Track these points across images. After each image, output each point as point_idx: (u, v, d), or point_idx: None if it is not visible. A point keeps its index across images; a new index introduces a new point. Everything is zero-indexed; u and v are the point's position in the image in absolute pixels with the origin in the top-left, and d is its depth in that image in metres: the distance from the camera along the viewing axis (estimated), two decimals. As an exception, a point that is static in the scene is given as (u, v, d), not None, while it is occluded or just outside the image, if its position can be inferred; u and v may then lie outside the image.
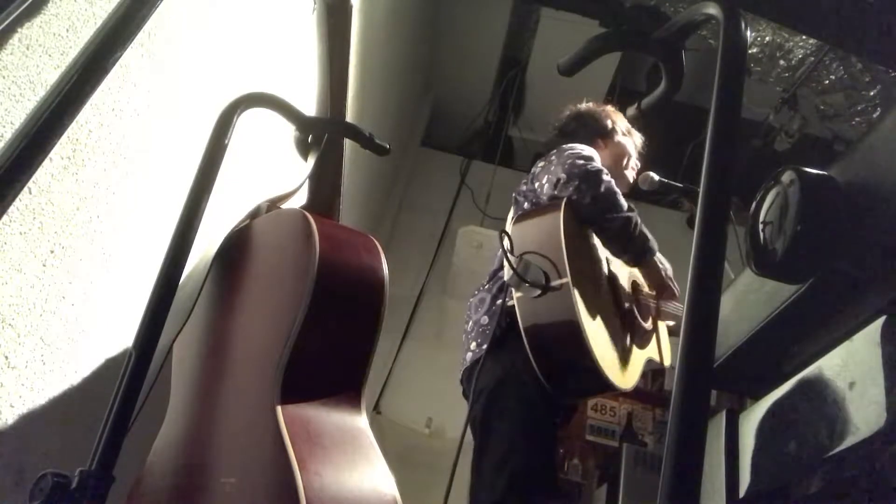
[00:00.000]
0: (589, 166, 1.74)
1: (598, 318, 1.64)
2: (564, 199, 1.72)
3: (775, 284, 0.94)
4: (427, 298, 3.93)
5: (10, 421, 0.95)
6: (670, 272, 1.89)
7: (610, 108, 2.16)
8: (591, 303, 1.63)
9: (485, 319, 1.78)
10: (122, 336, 1.15)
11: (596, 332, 1.57)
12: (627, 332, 1.80)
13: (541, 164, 1.93)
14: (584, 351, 1.52)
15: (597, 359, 1.52)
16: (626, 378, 1.68)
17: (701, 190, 0.61)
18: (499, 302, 1.73)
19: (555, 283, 1.51)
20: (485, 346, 1.70)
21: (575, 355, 1.54)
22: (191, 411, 1.05)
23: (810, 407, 0.90)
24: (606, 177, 1.74)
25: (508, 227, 1.87)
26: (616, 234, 1.75)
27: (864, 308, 0.85)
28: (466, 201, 4.20)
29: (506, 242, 1.57)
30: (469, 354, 1.80)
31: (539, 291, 1.51)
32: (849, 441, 0.80)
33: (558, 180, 1.75)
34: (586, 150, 1.86)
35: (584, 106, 2.17)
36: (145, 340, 0.79)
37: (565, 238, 1.62)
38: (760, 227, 0.95)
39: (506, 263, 1.61)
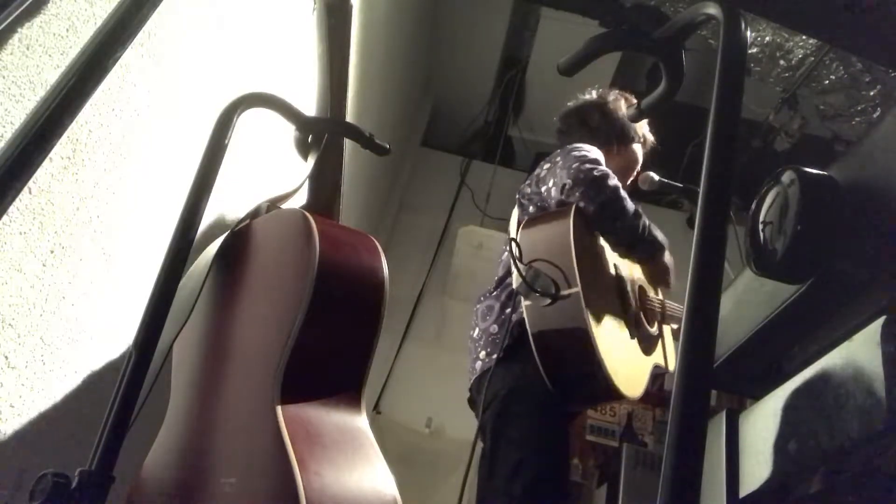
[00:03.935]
0: (595, 171, 1.72)
1: (607, 326, 1.64)
2: (574, 206, 1.70)
3: (775, 284, 0.94)
4: (427, 298, 3.93)
5: (10, 421, 0.95)
6: (671, 270, 1.87)
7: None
8: (601, 310, 1.62)
9: (494, 328, 1.77)
10: (122, 336, 1.15)
11: (605, 341, 1.57)
12: (635, 338, 1.80)
13: (546, 165, 1.91)
14: (593, 360, 1.51)
15: (606, 367, 1.52)
16: (634, 386, 1.68)
17: (701, 190, 0.61)
18: (508, 310, 1.73)
19: (564, 292, 1.50)
20: (495, 356, 1.69)
21: (584, 364, 1.53)
22: (191, 411, 1.05)
23: (810, 407, 0.90)
24: (613, 181, 1.72)
25: (513, 229, 1.86)
26: (624, 240, 1.73)
27: (864, 308, 0.85)
28: (466, 201, 4.20)
29: (514, 250, 1.56)
30: (479, 363, 1.78)
31: (549, 300, 1.50)
32: (849, 441, 0.80)
33: (564, 185, 1.74)
34: (592, 151, 1.83)
35: (612, 100, 2.11)
36: (145, 340, 0.79)
37: (575, 246, 1.61)
38: (760, 227, 0.95)
39: (514, 271, 1.60)
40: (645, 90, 1.29)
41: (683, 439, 0.51)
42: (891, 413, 0.74)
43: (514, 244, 1.57)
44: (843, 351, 0.86)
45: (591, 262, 1.71)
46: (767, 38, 3.27)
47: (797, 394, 0.95)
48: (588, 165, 1.73)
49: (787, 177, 0.92)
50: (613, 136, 2.05)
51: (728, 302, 1.09)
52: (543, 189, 1.85)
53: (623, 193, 1.73)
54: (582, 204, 1.69)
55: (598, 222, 1.71)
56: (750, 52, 3.26)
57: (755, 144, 3.88)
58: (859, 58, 3.06)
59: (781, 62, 3.37)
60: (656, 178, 1.95)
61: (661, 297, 2.02)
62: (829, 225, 0.87)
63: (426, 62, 4.20)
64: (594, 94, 2.15)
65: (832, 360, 0.88)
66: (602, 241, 1.78)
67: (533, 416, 1.62)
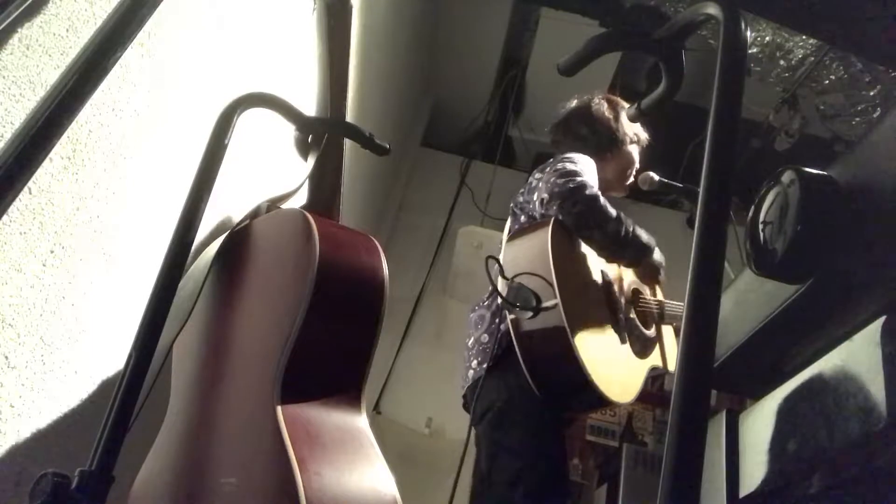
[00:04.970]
0: (570, 183, 1.72)
1: (592, 334, 1.65)
2: (553, 218, 1.72)
3: (775, 284, 0.94)
4: (427, 298, 3.92)
5: (10, 421, 0.95)
6: (663, 267, 1.90)
7: (623, 113, 2.09)
8: (585, 319, 1.63)
9: (485, 338, 1.78)
10: (122, 336, 1.15)
11: (590, 349, 1.57)
12: (626, 343, 1.80)
13: (537, 175, 1.93)
14: (577, 369, 1.52)
15: (591, 376, 1.53)
16: (624, 391, 1.68)
17: (701, 190, 0.61)
18: (497, 321, 1.74)
19: (546, 304, 1.51)
20: (486, 365, 1.70)
21: (569, 374, 1.54)
22: (191, 411, 1.05)
23: (810, 407, 0.90)
24: (590, 191, 1.72)
25: (505, 239, 1.88)
26: (607, 245, 1.74)
27: (864, 308, 0.85)
28: (466, 201, 4.19)
29: (493, 270, 1.57)
30: (471, 372, 1.80)
31: (531, 314, 1.52)
32: (849, 441, 0.80)
33: (542, 200, 1.76)
34: (578, 162, 1.83)
35: (595, 107, 2.10)
36: (145, 341, 0.79)
37: (553, 258, 1.62)
38: (760, 227, 0.95)
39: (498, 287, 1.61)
40: (645, 90, 1.29)
41: (683, 439, 0.51)
42: (891, 413, 0.74)
43: (489, 262, 1.57)
44: (843, 351, 0.86)
45: (573, 271, 1.72)
46: (767, 38, 3.26)
47: (797, 394, 0.95)
48: (562, 180, 1.73)
49: (787, 177, 0.92)
50: (603, 144, 2.05)
51: (728, 302, 1.09)
52: (533, 198, 1.87)
53: (601, 201, 1.73)
54: (560, 216, 1.70)
55: (578, 232, 1.73)
56: (750, 52, 3.26)
57: (755, 144, 3.88)
58: (859, 58, 3.06)
59: (781, 62, 3.37)
60: (656, 178, 1.95)
61: (659, 297, 2.02)
62: (829, 225, 0.86)
63: (426, 62, 4.20)
64: (576, 102, 2.14)
65: (832, 360, 0.88)
66: (585, 249, 1.79)
67: (530, 425, 1.63)
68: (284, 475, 0.80)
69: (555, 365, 1.57)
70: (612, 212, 1.73)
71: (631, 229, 1.75)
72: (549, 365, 1.59)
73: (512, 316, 1.62)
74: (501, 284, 1.57)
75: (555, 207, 1.71)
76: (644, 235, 1.80)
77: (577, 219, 1.70)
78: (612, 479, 2.83)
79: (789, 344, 1.00)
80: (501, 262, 1.64)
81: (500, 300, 1.62)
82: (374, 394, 3.51)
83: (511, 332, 1.63)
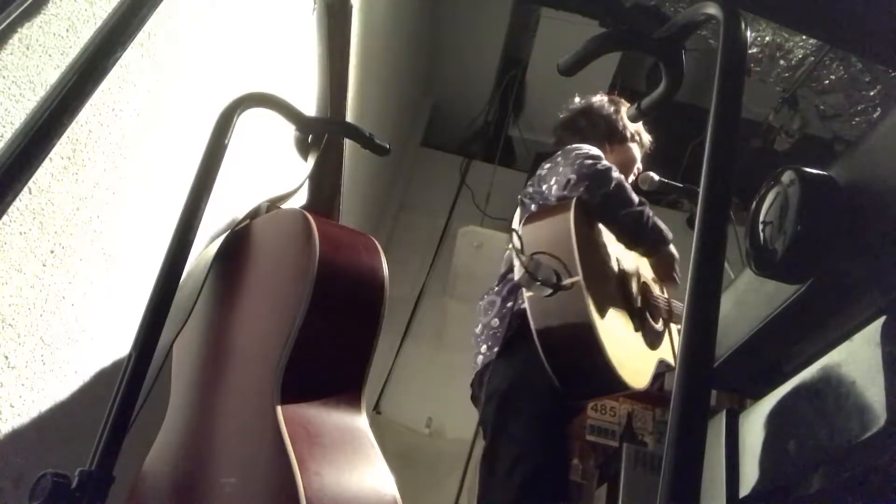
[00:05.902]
0: (598, 165, 1.76)
1: (610, 317, 1.64)
2: (574, 199, 1.72)
3: (775, 284, 0.94)
4: (427, 298, 3.92)
5: (10, 421, 0.95)
6: (677, 261, 1.91)
7: (623, 109, 2.13)
8: (603, 302, 1.63)
9: (495, 322, 1.78)
10: (122, 336, 1.15)
11: (608, 331, 1.57)
12: (639, 331, 1.80)
13: (547, 165, 1.94)
14: (597, 350, 1.52)
15: (610, 358, 1.52)
16: (638, 377, 1.68)
17: (701, 190, 0.61)
18: (509, 304, 1.74)
19: (566, 282, 1.51)
20: (496, 350, 1.70)
21: (588, 355, 1.54)
22: (191, 411, 1.05)
23: (810, 407, 0.90)
24: (615, 173, 1.76)
25: (517, 227, 1.88)
26: (629, 229, 1.77)
27: (864, 308, 0.85)
28: (466, 201, 4.19)
29: (516, 241, 1.57)
30: (480, 357, 1.79)
31: (550, 290, 1.51)
32: (848, 441, 0.79)
33: (568, 181, 1.76)
34: (593, 150, 1.87)
35: (596, 102, 2.14)
36: (145, 341, 0.79)
37: (576, 237, 1.62)
38: (760, 227, 0.95)
39: (516, 262, 1.61)
40: (645, 90, 1.29)
41: (683, 439, 0.51)
42: (891, 413, 0.74)
43: (516, 235, 1.57)
44: (843, 351, 0.86)
45: (593, 253, 1.73)
46: (767, 38, 3.26)
47: (797, 394, 0.95)
48: (590, 161, 1.77)
49: (787, 177, 0.92)
50: (602, 135, 2.08)
51: (728, 302, 1.09)
52: (544, 187, 1.87)
53: (626, 184, 1.77)
54: (586, 196, 1.72)
55: (603, 213, 1.75)
56: (750, 52, 3.26)
57: (755, 144, 3.88)
58: (859, 58, 3.06)
59: (781, 62, 3.37)
60: (656, 178, 1.95)
61: (666, 295, 2.02)
62: (829, 225, 0.86)
63: (426, 62, 4.20)
64: (579, 101, 2.18)
65: (832, 360, 0.88)
66: (604, 236, 1.80)
67: (533, 411, 1.63)
68: (284, 475, 0.80)
69: (572, 343, 1.56)
70: (636, 197, 1.77)
71: (651, 216, 1.79)
72: (565, 343, 1.58)
73: (530, 293, 1.61)
74: (519, 262, 1.57)
75: (582, 188, 1.73)
76: (662, 225, 1.83)
77: (604, 199, 1.72)
78: (612, 479, 2.82)
79: (789, 344, 1.00)
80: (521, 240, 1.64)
81: (518, 277, 1.61)
82: (374, 394, 3.51)
83: (527, 310, 1.62)
